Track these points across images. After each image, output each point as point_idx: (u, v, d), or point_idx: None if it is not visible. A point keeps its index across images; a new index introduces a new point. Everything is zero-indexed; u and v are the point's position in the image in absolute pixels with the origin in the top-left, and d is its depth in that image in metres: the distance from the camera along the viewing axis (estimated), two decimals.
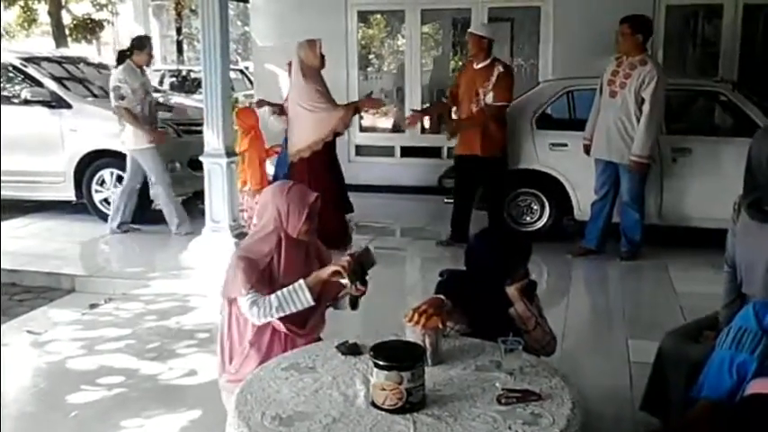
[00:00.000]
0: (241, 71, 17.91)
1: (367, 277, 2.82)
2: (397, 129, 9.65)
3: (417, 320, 2.47)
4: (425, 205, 7.74)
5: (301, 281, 2.74)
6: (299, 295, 2.72)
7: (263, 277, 2.79)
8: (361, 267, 2.78)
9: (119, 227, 6.75)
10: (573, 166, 6.11)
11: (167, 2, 17.77)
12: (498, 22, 9.29)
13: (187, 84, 16.98)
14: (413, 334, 2.49)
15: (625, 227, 5.88)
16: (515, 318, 2.88)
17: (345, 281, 2.75)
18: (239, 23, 20.41)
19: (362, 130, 9.37)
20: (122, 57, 6.73)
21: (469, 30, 6.33)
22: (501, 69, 5.94)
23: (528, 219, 6.40)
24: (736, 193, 5.63)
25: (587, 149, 5.90)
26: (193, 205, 7.61)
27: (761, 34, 8.39)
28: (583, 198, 6.10)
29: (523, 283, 2.89)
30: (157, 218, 7.26)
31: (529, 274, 2.94)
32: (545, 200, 6.32)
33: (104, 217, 7.16)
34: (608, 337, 4.33)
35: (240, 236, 5.73)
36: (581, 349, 4.08)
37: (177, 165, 7.17)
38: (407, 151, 9.01)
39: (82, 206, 7.30)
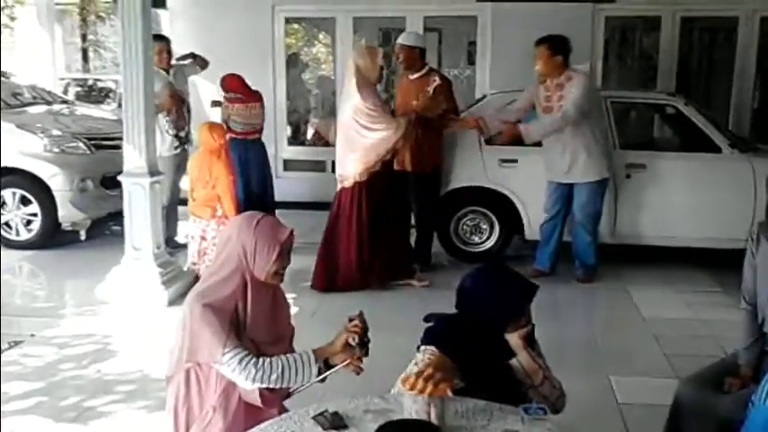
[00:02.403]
0: None
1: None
2: (328, 142, 9.15)
3: (423, 388, 2.00)
4: None
5: (311, 353, 2.35)
6: (305, 369, 2.32)
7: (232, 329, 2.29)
8: (365, 333, 2.42)
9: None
10: (523, 183, 5.80)
11: (71, 7, 16.71)
12: (426, 32, 8.99)
13: (93, 93, 15.98)
14: (414, 404, 2.02)
15: (578, 249, 5.60)
16: (518, 370, 2.47)
17: (355, 350, 2.39)
18: None
19: (291, 143, 8.85)
20: None
21: (398, 41, 5.88)
22: (438, 81, 5.59)
23: (476, 239, 6.05)
24: (692, 211, 5.58)
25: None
26: (104, 227, 6.94)
27: (697, 47, 8.39)
28: (534, 216, 5.79)
29: (528, 329, 2.48)
30: (65, 240, 6.53)
31: (531, 318, 2.53)
32: (494, 219, 5.99)
33: (5, 242, 6.39)
34: (586, 373, 3.94)
35: (165, 265, 5.13)
36: None
37: (89, 183, 6.49)
38: None
39: None
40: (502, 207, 5.93)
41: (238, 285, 2.37)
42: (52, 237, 6.46)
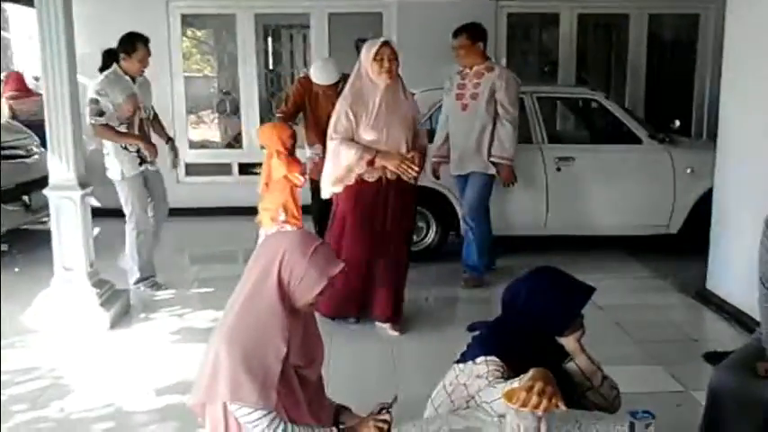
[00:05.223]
0: None
1: None
2: (232, 144, 8.80)
3: (537, 403, 1.91)
4: None
5: None
6: None
7: None
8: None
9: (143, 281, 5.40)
10: None
11: None
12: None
13: None
14: (522, 420, 1.93)
15: (464, 249, 5.51)
16: (575, 374, 2.46)
17: None
18: None
19: (192, 146, 8.43)
20: (108, 60, 5.19)
21: (316, 81, 5.68)
22: None
23: (414, 237, 5.99)
24: (618, 200, 5.82)
25: (436, 171, 5.55)
26: None
27: (592, 42, 8.79)
28: None
29: (582, 332, 2.47)
30: None
31: (583, 321, 2.52)
32: (431, 217, 5.98)
33: None
34: None
35: (100, 284, 4.69)
36: None
37: None
38: (247, 168, 8.23)
39: None
40: (438, 204, 5.93)
41: (272, 308, 2.18)
42: None
